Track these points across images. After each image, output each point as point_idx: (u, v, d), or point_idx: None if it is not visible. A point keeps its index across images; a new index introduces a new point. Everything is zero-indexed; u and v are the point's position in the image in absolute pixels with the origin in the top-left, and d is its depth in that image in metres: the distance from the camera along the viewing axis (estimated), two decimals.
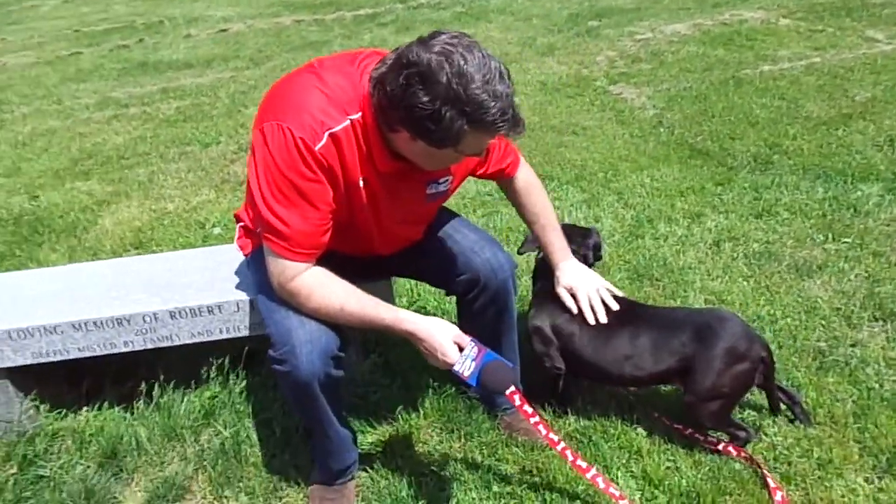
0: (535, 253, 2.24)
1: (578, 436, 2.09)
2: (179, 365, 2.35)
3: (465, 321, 2.02)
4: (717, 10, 6.76)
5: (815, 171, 3.53)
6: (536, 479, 1.97)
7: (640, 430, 2.08)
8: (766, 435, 2.03)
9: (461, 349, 1.62)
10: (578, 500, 1.89)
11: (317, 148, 1.53)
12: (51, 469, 2.15)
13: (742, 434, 1.95)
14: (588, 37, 6.34)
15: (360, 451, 2.08)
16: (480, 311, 1.97)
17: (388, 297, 2.13)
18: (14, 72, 7.70)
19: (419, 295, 2.80)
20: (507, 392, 1.68)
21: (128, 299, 2.19)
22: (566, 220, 3.24)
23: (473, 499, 1.92)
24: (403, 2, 8.65)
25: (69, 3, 11.88)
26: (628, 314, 2.03)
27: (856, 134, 3.90)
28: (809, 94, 4.51)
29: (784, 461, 1.95)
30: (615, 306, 2.00)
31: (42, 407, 2.31)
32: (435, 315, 1.82)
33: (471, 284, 1.90)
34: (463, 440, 2.12)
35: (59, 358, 2.16)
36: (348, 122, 1.55)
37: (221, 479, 2.07)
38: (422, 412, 2.22)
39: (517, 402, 1.72)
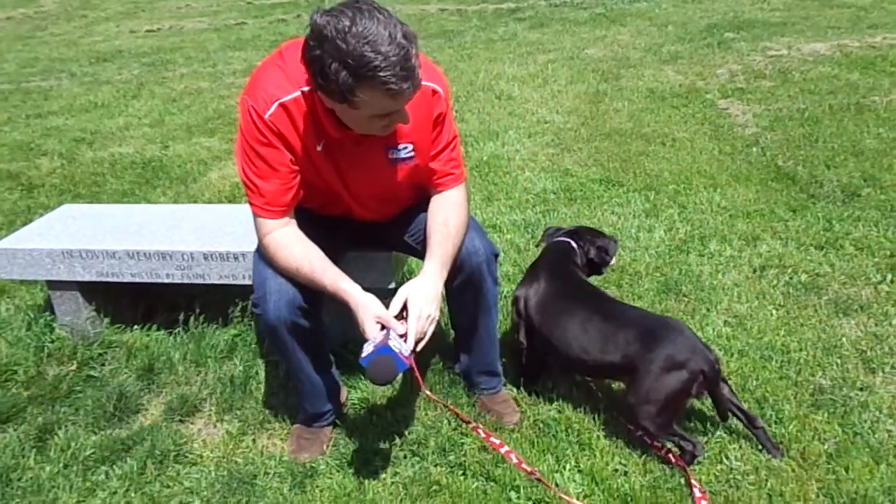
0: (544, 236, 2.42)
1: (542, 425, 2.18)
2: (214, 303, 2.67)
3: (448, 299, 2.18)
4: (871, 31, 6.29)
5: None
6: (489, 457, 2.09)
7: (602, 430, 2.14)
8: (725, 458, 2.02)
9: (382, 329, 1.76)
10: (521, 484, 1.99)
11: (266, 116, 1.76)
12: (100, 371, 2.54)
13: (687, 446, 1.96)
14: (718, 48, 6.13)
15: (349, 405, 2.30)
16: (458, 291, 2.10)
17: (387, 269, 2.31)
18: (187, 36, 8.58)
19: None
20: (384, 383, 1.78)
21: (176, 238, 2.53)
22: (618, 229, 3.28)
23: (427, 465, 2.07)
24: None
25: None
26: (589, 301, 2.13)
27: None
28: None
29: (734, 484, 1.94)
30: (429, 335, 1.84)
31: (105, 320, 2.72)
32: None
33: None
34: (438, 410, 2.28)
35: (115, 279, 2.53)
36: (299, 93, 1.76)
37: (225, 406, 2.37)
38: (408, 380, 2.39)
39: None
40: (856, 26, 6.52)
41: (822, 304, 2.69)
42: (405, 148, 1.90)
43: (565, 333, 2.07)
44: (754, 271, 2.93)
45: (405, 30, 1.59)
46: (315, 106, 1.77)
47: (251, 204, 1.88)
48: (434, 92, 1.87)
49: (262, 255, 1.94)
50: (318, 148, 1.84)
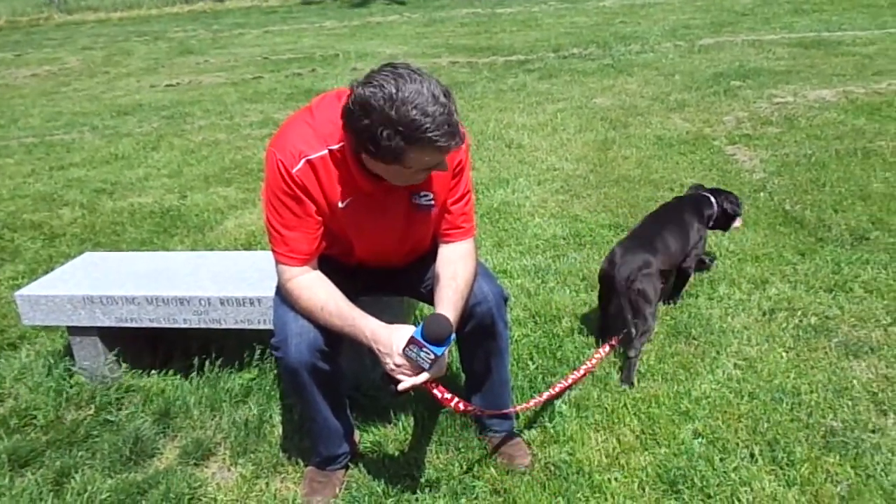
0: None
1: (553, 467, 2.19)
2: (230, 347, 2.72)
3: (459, 344, 2.22)
4: (876, 78, 6.39)
5: None
6: (500, 499, 2.10)
7: (614, 472, 2.15)
8: (738, 501, 2.02)
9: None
10: None
11: (294, 171, 1.83)
12: (116, 416, 2.58)
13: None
14: (725, 96, 6.24)
15: (361, 447, 2.33)
16: (470, 336, 2.14)
17: (399, 312, 2.36)
18: (206, 90, 8.81)
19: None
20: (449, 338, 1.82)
21: (194, 284, 2.59)
22: None
23: None
24: (556, 51, 8.91)
25: (269, 34, 13.32)
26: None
27: None
28: None
29: None
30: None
31: (124, 365, 2.77)
32: None
33: None
34: (449, 453, 2.29)
35: (134, 325, 2.59)
36: (326, 151, 1.83)
37: (239, 449, 2.39)
38: (420, 423, 2.41)
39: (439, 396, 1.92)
40: (861, 73, 6.63)
41: (832, 346, 2.70)
42: (426, 196, 1.97)
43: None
44: (763, 314, 2.94)
45: (443, 87, 1.68)
46: (344, 164, 1.85)
47: (274, 251, 1.94)
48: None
49: (285, 299, 1.99)
50: (341, 205, 1.90)
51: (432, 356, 1.78)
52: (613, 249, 2.82)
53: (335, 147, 1.83)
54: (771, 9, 11.01)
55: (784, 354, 2.67)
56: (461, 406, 2.00)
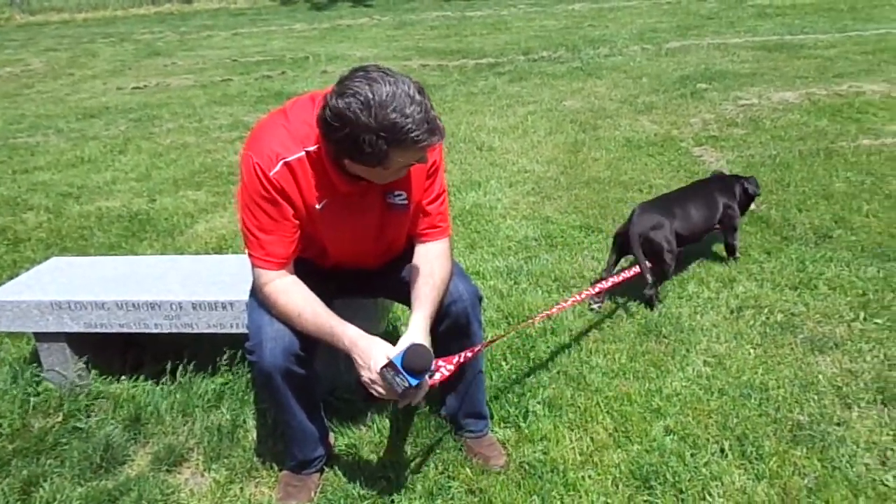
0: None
1: (528, 466, 2.21)
2: (203, 352, 2.69)
3: (434, 344, 2.21)
4: (837, 80, 6.55)
5: (874, 250, 3.41)
6: (476, 499, 2.11)
7: (588, 470, 2.17)
8: (709, 494, 2.06)
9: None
10: None
11: (271, 174, 1.82)
12: (86, 423, 2.54)
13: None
14: (691, 98, 6.34)
15: (336, 450, 2.32)
16: (445, 336, 2.14)
17: (373, 315, 2.36)
18: (173, 92, 8.70)
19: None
20: (431, 367, 1.83)
21: (164, 289, 2.57)
22: (598, 274, 3.35)
23: None
24: (526, 54, 8.97)
25: (237, 36, 13.21)
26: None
27: None
28: None
29: None
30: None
31: (94, 371, 2.72)
32: None
33: None
34: (425, 455, 2.30)
35: (103, 330, 2.56)
36: (303, 153, 1.83)
37: (212, 455, 2.37)
38: (395, 425, 2.41)
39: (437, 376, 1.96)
40: (822, 75, 6.78)
41: (798, 342, 2.76)
42: (400, 195, 1.97)
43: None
44: (731, 312, 3.00)
45: (416, 84, 1.69)
46: (321, 165, 1.84)
47: (251, 255, 1.93)
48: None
49: (261, 303, 1.98)
50: (318, 207, 1.90)
51: (406, 384, 1.78)
52: (633, 209, 3.15)
53: (312, 149, 1.83)
54: (735, 13, 11.21)
55: (752, 351, 2.73)
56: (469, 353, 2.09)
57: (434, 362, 1.89)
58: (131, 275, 2.73)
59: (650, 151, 5.06)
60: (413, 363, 1.78)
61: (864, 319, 2.88)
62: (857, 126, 5.27)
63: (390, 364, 1.79)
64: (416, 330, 1.91)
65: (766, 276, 3.26)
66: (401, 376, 1.78)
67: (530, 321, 2.78)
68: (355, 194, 1.92)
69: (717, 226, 3.38)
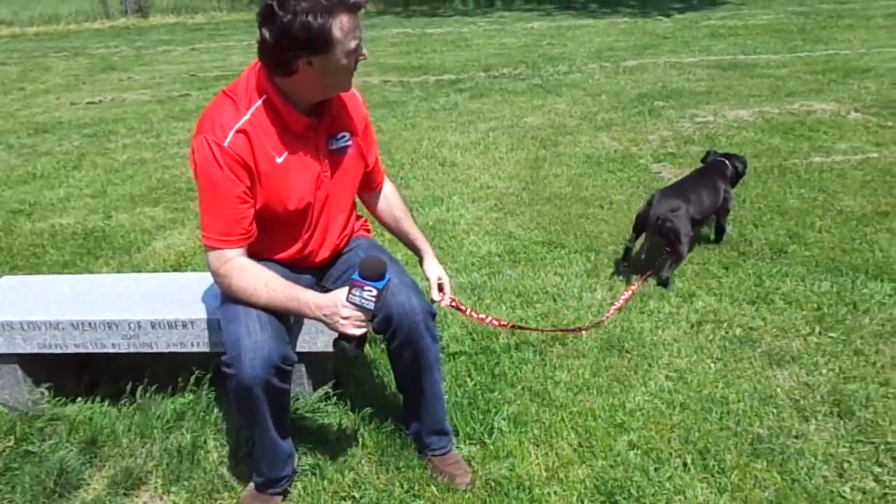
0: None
1: (493, 483, 2.20)
2: (162, 372, 2.63)
3: (390, 359, 2.24)
4: (789, 99, 6.74)
5: (828, 265, 3.50)
6: None
7: (554, 486, 2.17)
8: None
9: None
10: None
11: (226, 144, 1.87)
12: (39, 447, 2.46)
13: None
14: (650, 116, 6.46)
15: (299, 469, 2.28)
16: (397, 350, 2.15)
17: None
18: (130, 107, 8.55)
19: None
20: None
21: (122, 307, 2.51)
22: (561, 289, 3.38)
23: None
24: (486, 71, 9.06)
25: (195, 51, 13.05)
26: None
27: (884, 232, 3.84)
28: (851, 189, 4.46)
29: None
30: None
31: (48, 393, 2.64)
32: None
33: (386, 323, 2.09)
34: (390, 473, 2.28)
35: (58, 351, 2.48)
36: (249, 114, 1.90)
37: (172, 477, 2.31)
38: (360, 442, 2.39)
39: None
40: (775, 94, 6.98)
41: (756, 356, 2.82)
42: (343, 136, 2.09)
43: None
44: (692, 327, 3.05)
45: None
46: (275, 112, 1.92)
47: (208, 237, 1.95)
48: (358, 95, 2.18)
49: (223, 285, 2.00)
50: (279, 160, 1.95)
51: (374, 292, 1.83)
52: (653, 194, 3.48)
53: (258, 103, 1.91)
54: (690, 32, 11.48)
55: (712, 365, 2.77)
56: (495, 322, 2.77)
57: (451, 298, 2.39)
58: (87, 293, 2.66)
59: (610, 168, 5.13)
60: (369, 270, 1.84)
61: (819, 333, 2.95)
62: (808, 143, 5.42)
63: (353, 284, 1.84)
64: (431, 253, 2.45)
65: (725, 290, 3.33)
66: (367, 288, 1.84)
67: (579, 328, 3.02)
68: (303, 137, 1.99)
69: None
